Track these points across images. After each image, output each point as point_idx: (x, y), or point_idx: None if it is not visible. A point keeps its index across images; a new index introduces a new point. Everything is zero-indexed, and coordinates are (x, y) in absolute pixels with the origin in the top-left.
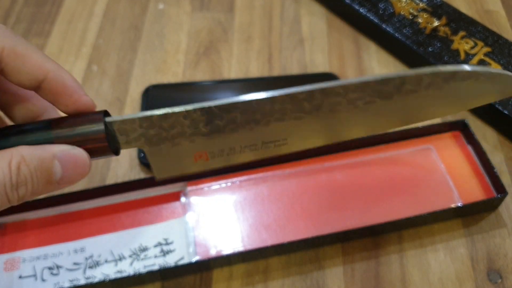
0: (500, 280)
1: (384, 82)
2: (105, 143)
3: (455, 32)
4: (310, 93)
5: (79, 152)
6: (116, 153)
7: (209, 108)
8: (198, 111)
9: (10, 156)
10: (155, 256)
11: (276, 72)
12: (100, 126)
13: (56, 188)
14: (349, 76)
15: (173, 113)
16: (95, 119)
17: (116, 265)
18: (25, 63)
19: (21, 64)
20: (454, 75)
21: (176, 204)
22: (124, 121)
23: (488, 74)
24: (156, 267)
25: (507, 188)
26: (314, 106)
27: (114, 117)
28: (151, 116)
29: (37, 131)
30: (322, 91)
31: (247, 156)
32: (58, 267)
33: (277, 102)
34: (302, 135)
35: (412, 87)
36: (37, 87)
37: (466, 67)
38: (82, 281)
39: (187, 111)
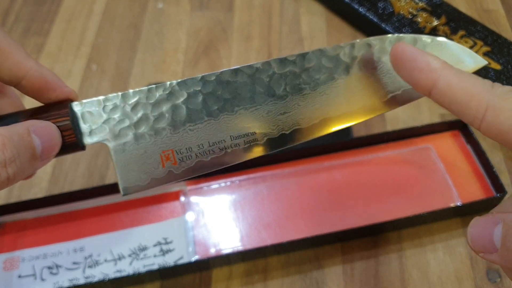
0: (499, 279)
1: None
2: (67, 121)
3: (454, 32)
4: (267, 63)
5: (48, 123)
6: (83, 147)
7: (171, 84)
8: (160, 88)
9: None
10: (155, 256)
11: None
12: (64, 107)
13: (39, 164)
14: None
15: (135, 92)
16: (61, 104)
17: (115, 264)
18: (6, 59)
19: (2, 59)
20: (400, 39)
21: (175, 203)
22: (87, 103)
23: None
24: (155, 267)
25: (506, 188)
26: (275, 82)
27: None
28: (114, 96)
29: (5, 118)
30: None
31: (218, 160)
32: (57, 266)
33: (238, 75)
34: (271, 124)
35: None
36: (17, 84)
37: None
38: (82, 281)
39: (149, 89)
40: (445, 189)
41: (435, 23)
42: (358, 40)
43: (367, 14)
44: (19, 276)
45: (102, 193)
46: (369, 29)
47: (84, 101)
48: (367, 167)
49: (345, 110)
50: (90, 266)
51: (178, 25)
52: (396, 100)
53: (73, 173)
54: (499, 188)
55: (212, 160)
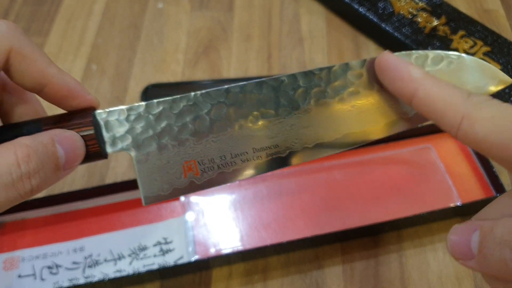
0: None
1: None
2: (91, 131)
3: (454, 32)
4: (293, 76)
5: (72, 133)
6: (105, 156)
7: (195, 95)
8: (184, 99)
9: (14, 148)
10: (155, 255)
11: (276, 71)
12: (88, 116)
13: (62, 174)
14: None
15: (159, 102)
16: (84, 113)
17: (115, 264)
18: (29, 66)
19: (25, 66)
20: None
21: (175, 203)
22: (111, 112)
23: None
24: (155, 266)
25: (506, 188)
26: (300, 96)
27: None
28: (138, 106)
29: (27, 125)
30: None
31: (240, 172)
32: (57, 266)
33: (262, 88)
34: (294, 138)
35: None
36: (40, 91)
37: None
38: (81, 281)
39: (173, 100)
40: (445, 189)
41: (435, 23)
42: None
43: (367, 14)
44: (19, 276)
45: (102, 193)
46: (369, 29)
47: (107, 110)
48: (367, 167)
49: (369, 126)
50: (90, 266)
51: (178, 25)
52: (421, 116)
53: (73, 173)
54: (499, 188)
55: (233, 172)
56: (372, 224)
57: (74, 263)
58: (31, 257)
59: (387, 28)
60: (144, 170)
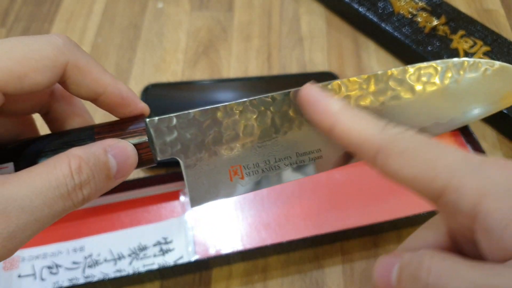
0: None
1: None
2: (145, 138)
3: (454, 31)
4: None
5: (126, 143)
6: (156, 162)
7: (242, 102)
8: (232, 107)
9: (67, 159)
10: (154, 255)
11: (275, 71)
12: (141, 124)
13: (114, 183)
14: (349, 75)
15: (207, 109)
16: (136, 119)
17: (115, 264)
18: (85, 77)
19: (82, 78)
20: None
21: (175, 203)
22: (161, 119)
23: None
24: (155, 266)
25: None
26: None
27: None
28: (187, 113)
29: (80, 132)
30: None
31: (283, 176)
32: (57, 266)
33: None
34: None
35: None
36: (95, 99)
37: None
38: (81, 280)
39: (222, 107)
40: None
41: (435, 22)
42: (424, 64)
43: (367, 14)
44: (19, 276)
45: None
46: (369, 29)
47: (158, 117)
48: (367, 167)
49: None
50: (90, 266)
51: (178, 25)
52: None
53: None
54: None
55: (277, 175)
56: (372, 224)
57: (74, 263)
58: (31, 257)
59: (387, 28)
60: (192, 174)
